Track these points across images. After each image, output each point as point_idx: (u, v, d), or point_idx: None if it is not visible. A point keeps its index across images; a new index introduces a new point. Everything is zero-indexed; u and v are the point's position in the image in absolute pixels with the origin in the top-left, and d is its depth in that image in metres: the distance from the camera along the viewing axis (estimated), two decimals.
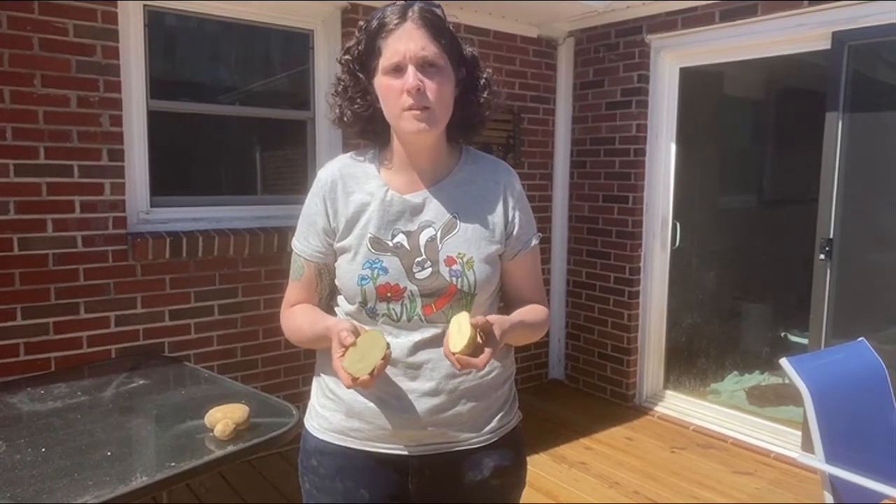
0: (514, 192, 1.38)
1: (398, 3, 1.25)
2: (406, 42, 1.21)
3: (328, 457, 1.35)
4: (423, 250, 1.28)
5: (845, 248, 3.31)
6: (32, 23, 2.71)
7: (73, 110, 2.83)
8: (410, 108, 1.22)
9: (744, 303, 5.19)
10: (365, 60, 1.27)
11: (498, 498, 1.39)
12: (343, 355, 1.15)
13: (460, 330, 1.15)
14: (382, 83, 1.24)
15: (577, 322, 4.57)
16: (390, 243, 1.29)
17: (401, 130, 1.27)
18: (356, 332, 1.17)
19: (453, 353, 1.14)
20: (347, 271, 1.30)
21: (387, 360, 1.15)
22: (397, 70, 1.22)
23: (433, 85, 1.22)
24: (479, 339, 1.16)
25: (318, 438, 1.37)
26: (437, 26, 1.24)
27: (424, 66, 1.22)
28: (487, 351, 1.15)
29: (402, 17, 1.23)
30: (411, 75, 1.20)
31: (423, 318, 1.27)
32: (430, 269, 1.27)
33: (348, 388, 1.15)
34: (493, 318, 1.20)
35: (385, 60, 1.23)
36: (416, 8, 1.24)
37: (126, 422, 1.92)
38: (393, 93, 1.23)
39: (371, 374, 1.12)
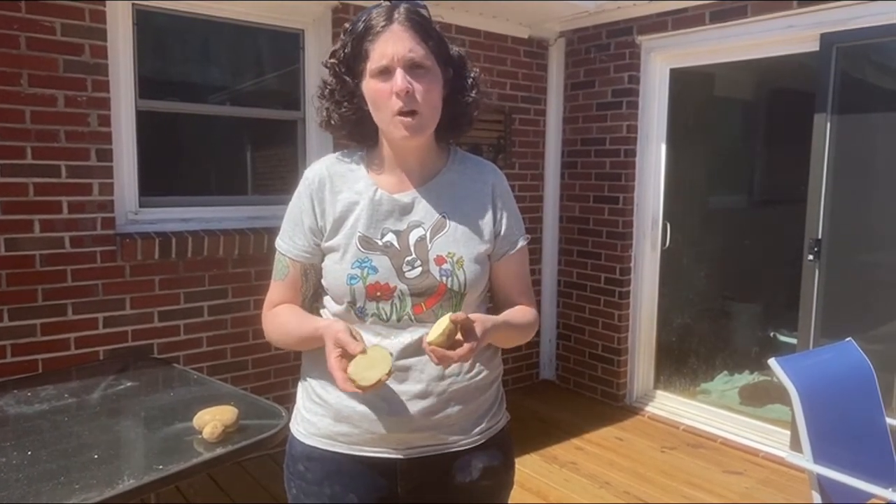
0: (502, 192, 1.39)
1: (384, 4, 1.25)
2: (394, 44, 1.21)
3: (315, 462, 1.34)
4: (412, 249, 1.29)
5: (834, 248, 3.32)
6: (19, 21, 2.69)
7: (61, 110, 2.81)
8: (400, 113, 1.22)
9: (733, 303, 5.21)
10: (352, 64, 1.27)
11: (487, 499, 1.40)
12: (341, 356, 1.15)
13: (439, 324, 1.15)
14: (371, 86, 1.24)
15: (568, 322, 4.58)
16: (380, 242, 1.29)
17: (390, 135, 1.28)
18: (355, 337, 1.17)
19: (428, 344, 1.14)
20: (336, 271, 1.29)
21: (389, 375, 1.14)
22: (385, 73, 1.22)
23: (421, 87, 1.22)
24: (458, 335, 1.15)
25: (304, 444, 1.36)
26: (423, 27, 1.24)
27: (412, 67, 1.22)
28: (467, 345, 1.15)
29: (389, 19, 1.22)
30: (399, 78, 1.20)
31: (412, 317, 1.27)
32: (419, 269, 1.28)
33: (343, 390, 1.15)
34: (474, 315, 1.20)
35: (373, 63, 1.22)
36: (402, 9, 1.23)
37: (114, 424, 1.90)
38: (382, 96, 1.23)
39: (372, 385, 1.12)
